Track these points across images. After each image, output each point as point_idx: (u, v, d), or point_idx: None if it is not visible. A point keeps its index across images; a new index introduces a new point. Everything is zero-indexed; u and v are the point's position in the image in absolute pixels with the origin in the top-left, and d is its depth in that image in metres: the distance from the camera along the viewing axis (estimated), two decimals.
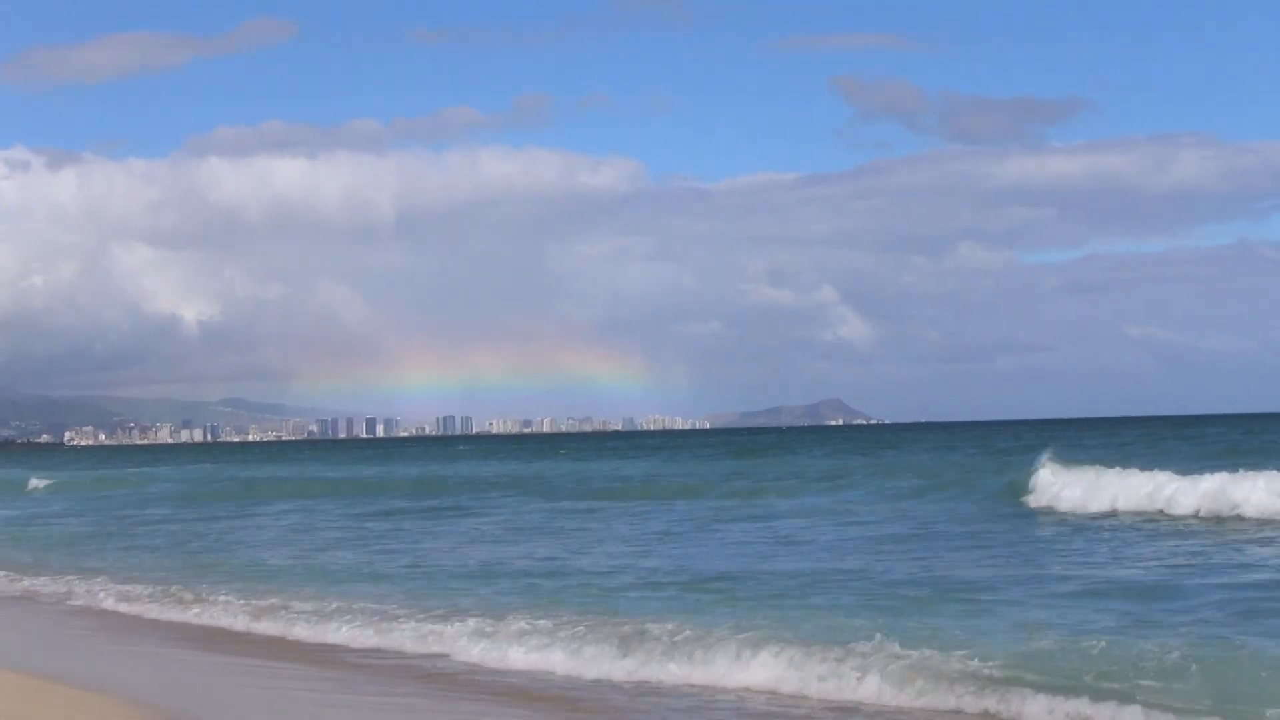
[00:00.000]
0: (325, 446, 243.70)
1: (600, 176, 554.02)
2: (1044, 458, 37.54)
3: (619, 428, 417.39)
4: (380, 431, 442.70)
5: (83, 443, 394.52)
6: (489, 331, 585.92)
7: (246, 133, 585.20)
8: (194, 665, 17.54)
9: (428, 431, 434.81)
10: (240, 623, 21.40)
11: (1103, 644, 14.54)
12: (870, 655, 14.93)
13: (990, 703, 13.55)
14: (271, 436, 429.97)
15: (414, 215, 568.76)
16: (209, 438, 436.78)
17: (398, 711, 14.43)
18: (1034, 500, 35.41)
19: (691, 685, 15.55)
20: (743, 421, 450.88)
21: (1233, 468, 32.63)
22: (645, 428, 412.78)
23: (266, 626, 20.90)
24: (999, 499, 37.49)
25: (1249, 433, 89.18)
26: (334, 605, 21.58)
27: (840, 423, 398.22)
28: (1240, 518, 29.70)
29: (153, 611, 23.12)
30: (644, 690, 15.54)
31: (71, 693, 14.71)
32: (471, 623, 18.98)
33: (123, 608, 23.79)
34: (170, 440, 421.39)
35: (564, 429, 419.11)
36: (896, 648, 14.94)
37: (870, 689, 14.37)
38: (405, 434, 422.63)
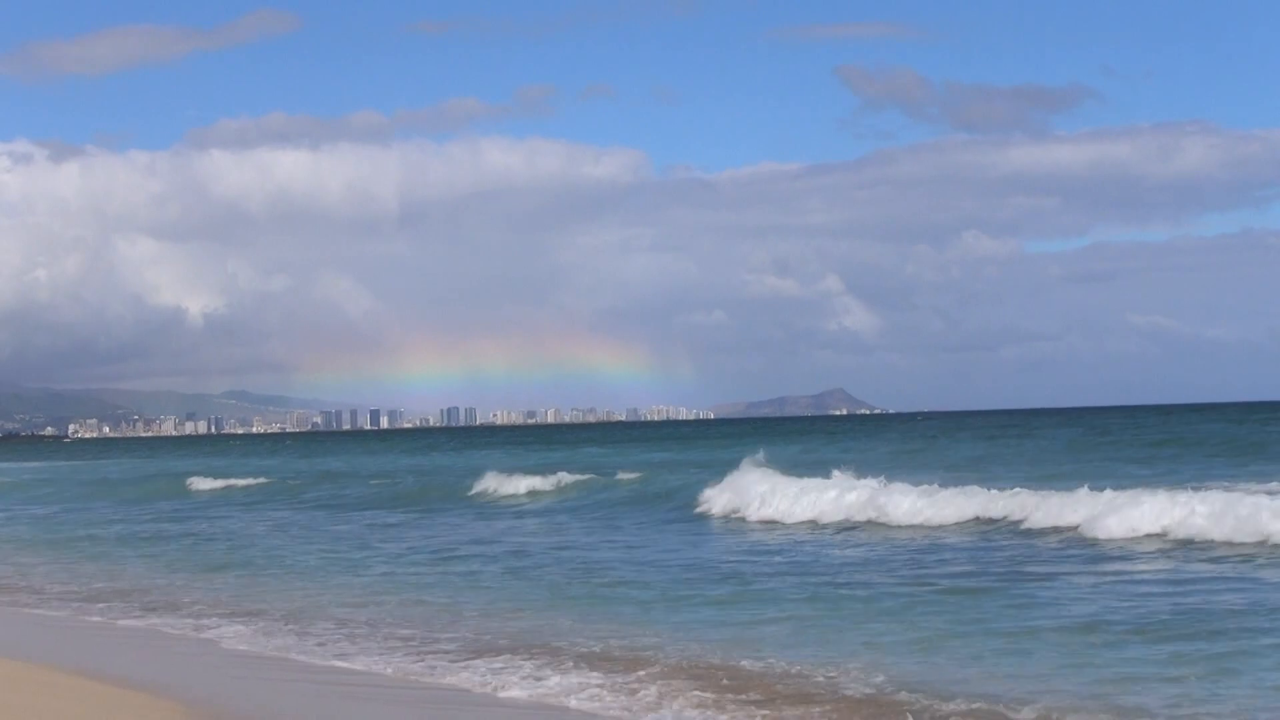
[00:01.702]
0: (325, 439, 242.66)
1: (603, 167, 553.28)
2: (748, 460, 39.70)
3: (623, 418, 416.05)
4: (384, 423, 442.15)
5: (87, 435, 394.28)
6: (493, 322, 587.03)
7: (249, 125, 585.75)
8: (235, 665, 17.33)
9: (432, 423, 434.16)
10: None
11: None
12: None
13: None
14: (275, 428, 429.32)
15: (417, 207, 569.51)
16: (213, 430, 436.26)
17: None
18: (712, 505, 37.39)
19: None
20: (748, 412, 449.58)
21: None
22: (650, 418, 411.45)
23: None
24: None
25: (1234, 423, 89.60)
26: None
27: (845, 412, 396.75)
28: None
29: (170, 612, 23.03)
30: None
31: (117, 692, 14.51)
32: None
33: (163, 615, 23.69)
34: (174, 433, 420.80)
35: (568, 420, 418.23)
36: None
37: None
38: (409, 425, 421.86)
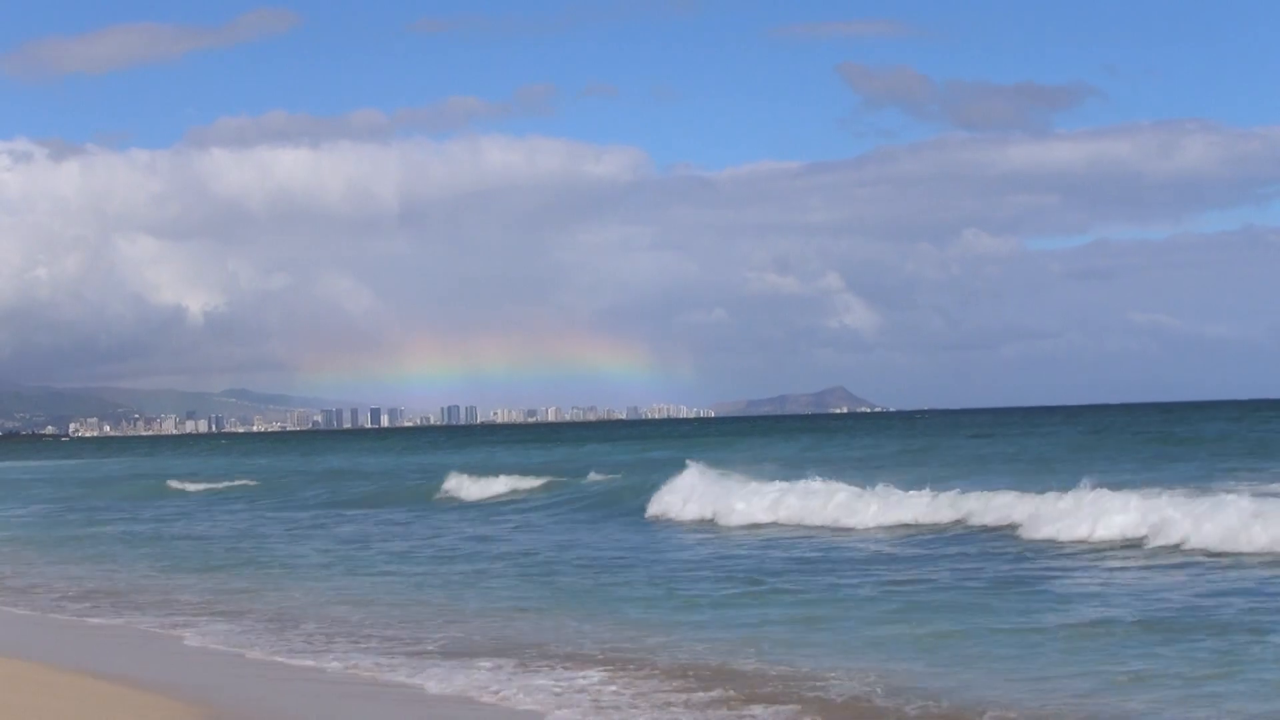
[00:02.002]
0: (325, 437, 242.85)
1: (604, 165, 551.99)
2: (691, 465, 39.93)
3: (623, 417, 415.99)
4: (385, 422, 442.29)
5: (87, 434, 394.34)
6: (493, 321, 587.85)
7: (248, 123, 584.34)
8: (237, 665, 17.43)
9: (432, 421, 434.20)
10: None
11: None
12: None
13: None
14: (276, 427, 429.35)
15: (417, 205, 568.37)
16: (213, 429, 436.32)
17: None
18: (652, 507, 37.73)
19: None
20: (748, 410, 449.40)
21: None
22: (650, 417, 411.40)
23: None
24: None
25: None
26: None
27: (845, 410, 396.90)
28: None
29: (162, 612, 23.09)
30: None
31: (117, 690, 14.63)
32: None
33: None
34: (175, 431, 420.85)
35: (569, 418, 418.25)
36: None
37: None
38: (410, 424, 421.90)
